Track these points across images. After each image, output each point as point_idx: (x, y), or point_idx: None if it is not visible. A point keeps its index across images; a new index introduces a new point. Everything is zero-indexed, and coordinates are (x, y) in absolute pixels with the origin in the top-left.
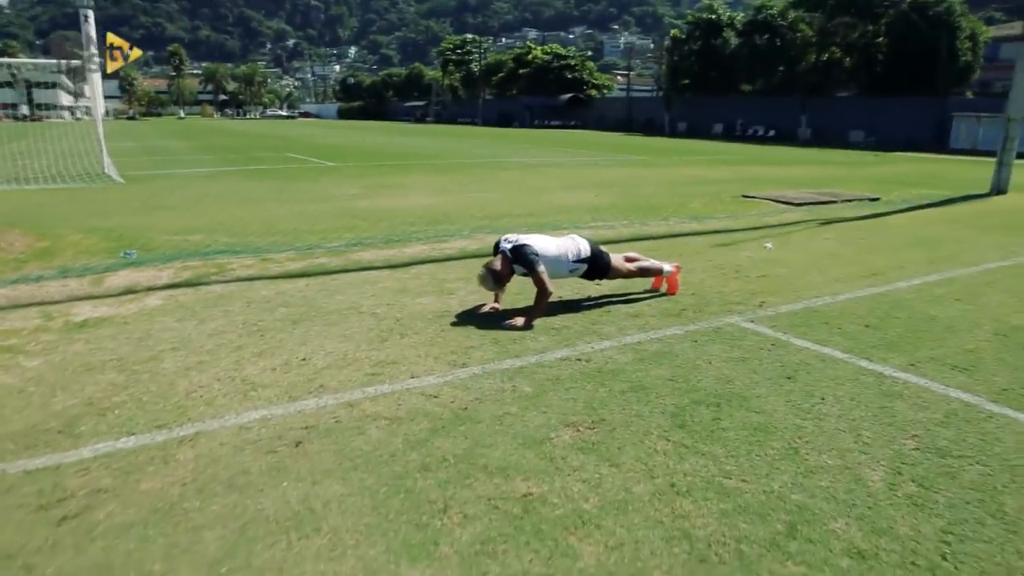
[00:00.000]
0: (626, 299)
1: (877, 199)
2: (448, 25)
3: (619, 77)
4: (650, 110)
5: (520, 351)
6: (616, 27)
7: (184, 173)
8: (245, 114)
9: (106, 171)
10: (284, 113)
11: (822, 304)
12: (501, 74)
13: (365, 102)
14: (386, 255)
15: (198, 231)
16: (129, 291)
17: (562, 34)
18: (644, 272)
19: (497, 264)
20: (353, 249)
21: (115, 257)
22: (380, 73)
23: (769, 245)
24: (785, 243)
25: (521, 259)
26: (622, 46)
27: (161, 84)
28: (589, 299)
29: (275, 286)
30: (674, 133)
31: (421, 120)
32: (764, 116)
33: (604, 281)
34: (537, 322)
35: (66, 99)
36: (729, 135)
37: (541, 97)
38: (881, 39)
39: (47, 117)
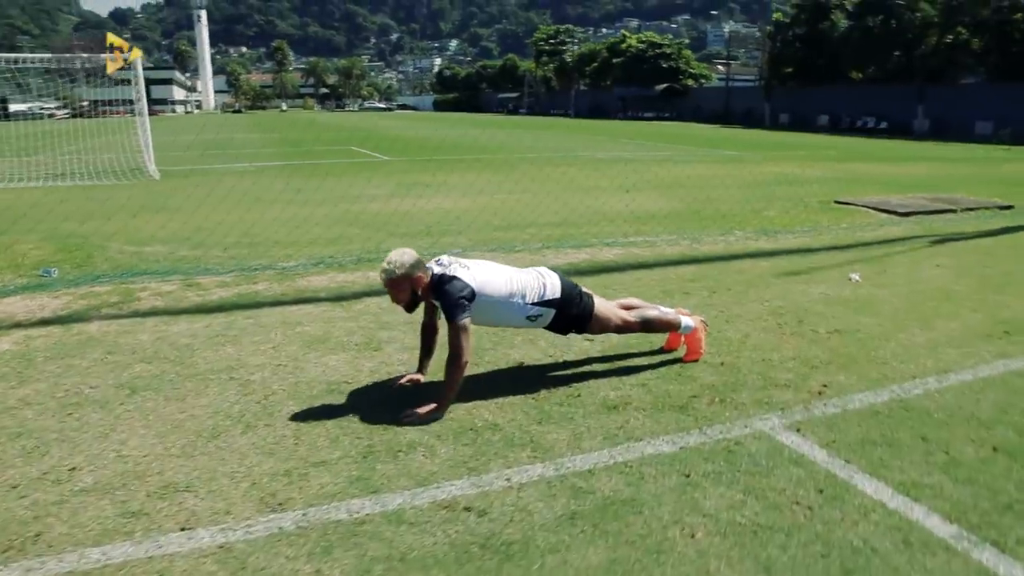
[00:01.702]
0: (622, 366)
1: (1010, 207)
2: (548, 17)
3: (719, 67)
4: (750, 101)
5: (388, 478)
6: (718, 14)
7: (227, 168)
8: (344, 107)
9: (147, 167)
10: (382, 105)
11: (920, 393)
12: (595, 64)
13: (460, 94)
14: (342, 281)
15: (164, 240)
16: None
17: (664, 23)
18: (647, 326)
19: (419, 275)
20: (309, 271)
21: (33, 276)
22: (475, 65)
23: (856, 277)
24: (880, 272)
25: (443, 298)
26: (726, 35)
27: (268, 79)
28: (565, 364)
29: (165, 327)
30: (775, 125)
31: (514, 112)
32: (875, 106)
33: (595, 337)
34: (454, 413)
35: (179, 94)
36: (835, 128)
37: (635, 87)
38: (1020, 15)
39: (161, 111)
